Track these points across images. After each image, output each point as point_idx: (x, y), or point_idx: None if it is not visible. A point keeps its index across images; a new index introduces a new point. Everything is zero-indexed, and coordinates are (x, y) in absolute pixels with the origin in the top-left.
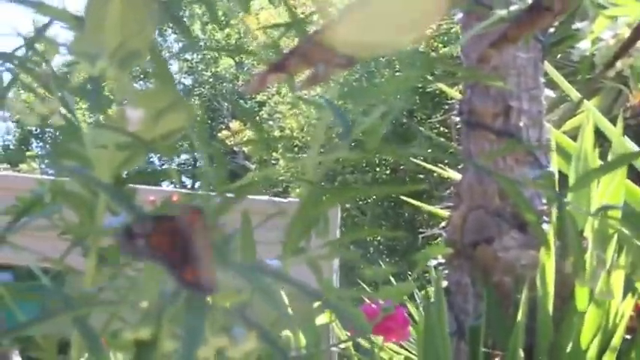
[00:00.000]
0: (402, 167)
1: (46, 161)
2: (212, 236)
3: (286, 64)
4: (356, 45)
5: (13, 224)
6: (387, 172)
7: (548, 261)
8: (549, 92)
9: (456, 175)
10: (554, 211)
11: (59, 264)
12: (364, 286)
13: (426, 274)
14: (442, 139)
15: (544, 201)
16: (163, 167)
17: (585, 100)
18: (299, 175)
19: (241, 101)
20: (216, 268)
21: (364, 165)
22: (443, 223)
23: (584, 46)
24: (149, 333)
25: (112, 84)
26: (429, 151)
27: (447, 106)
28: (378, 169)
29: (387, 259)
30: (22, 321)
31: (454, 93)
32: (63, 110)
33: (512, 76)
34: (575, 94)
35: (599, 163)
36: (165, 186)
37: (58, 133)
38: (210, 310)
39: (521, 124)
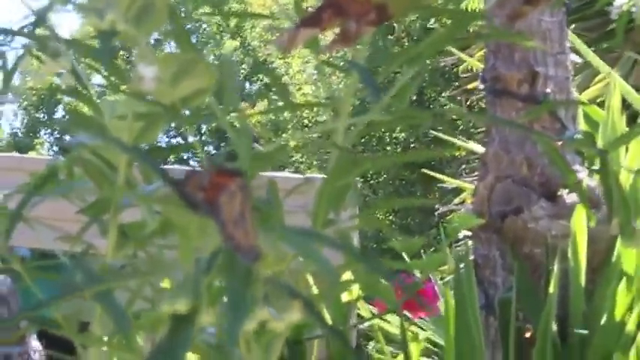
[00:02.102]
0: (412, 145)
1: (65, 130)
2: (252, 200)
3: (319, 17)
4: None
5: (27, 200)
6: (398, 149)
7: (580, 231)
8: (575, 57)
9: (475, 147)
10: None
11: (77, 241)
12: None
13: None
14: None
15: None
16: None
17: (610, 68)
18: (328, 141)
19: (247, 83)
20: (259, 233)
21: (375, 144)
22: (456, 200)
23: (620, 1)
24: (186, 305)
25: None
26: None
27: (457, 83)
28: (388, 147)
29: (401, 237)
30: (43, 299)
31: (475, 62)
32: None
33: (538, 40)
34: (598, 61)
35: (626, 129)
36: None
37: (72, 104)
38: (255, 279)
39: (547, 90)
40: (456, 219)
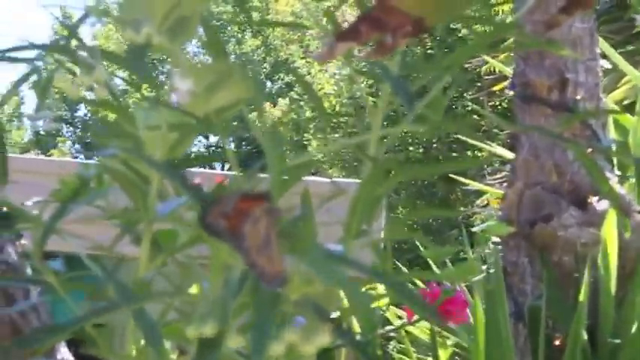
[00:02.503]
0: (434, 146)
1: (93, 138)
2: (279, 223)
3: (358, 30)
4: (429, 9)
5: (62, 210)
6: (420, 150)
7: (610, 238)
8: (604, 63)
9: (500, 151)
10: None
11: (110, 251)
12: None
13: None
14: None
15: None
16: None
17: (637, 71)
18: (361, 152)
19: (268, 82)
20: (285, 258)
21: (397, 144)
22: (478, 202)
23: None
24: (214, 329)
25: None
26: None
27: (480, 84)
28: (411, 147)
29: (422, 238)
30: (71, 312)
31: (501, 66)
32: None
33: (568, 47)
34: (627, 66)
35: None
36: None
37: (105, 113)
38: (281, 302)
39: (577, 96)
40: (487, 226)
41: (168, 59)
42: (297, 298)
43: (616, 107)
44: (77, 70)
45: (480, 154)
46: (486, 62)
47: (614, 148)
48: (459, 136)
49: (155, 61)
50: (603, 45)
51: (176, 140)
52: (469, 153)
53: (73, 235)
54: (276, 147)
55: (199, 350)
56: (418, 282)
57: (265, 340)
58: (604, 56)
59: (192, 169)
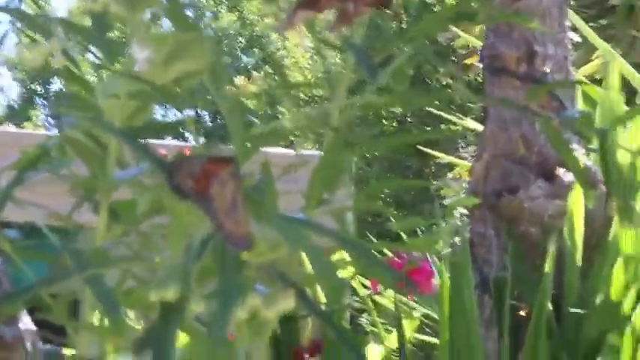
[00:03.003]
0: (408, 120)
1: (56, 110)
2: (243, 187)
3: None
4: None
5: (19, 179)
6: (394, 124)
7: (577, 210)
8: (574, 36)
9: (472, 124)
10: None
11: (68, 220)
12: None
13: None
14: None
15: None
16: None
17: (609, 47)
18: (323, 123)
19: (243, 56)
20: (250, 221)
21: (370, 117)
22: (449, 175)
23: None
24: (175, 293)
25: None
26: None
27: (454, 58)
28: (385, 121)
29: (395, 211)
30: (32, 281)
31: (472, 39)
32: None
33: (537, 19)
34: (598, 40)
35: (626, 109)
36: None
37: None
38: (245, 267)
39: (546, 69)
40: (455, 199)
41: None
42: (261, 263)
43: (584, 80)
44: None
45: (454, 128)
46: (459, 36)
47: (578, 118)
48: (433, 110)
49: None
50: (574, 18)
51: (135, 109)
52: (443, 127)
53: (34, 205)
54: (237, 116)
55: (162, 315)
56: (388, 254)
57: (230, 304)
58: (574, 29)
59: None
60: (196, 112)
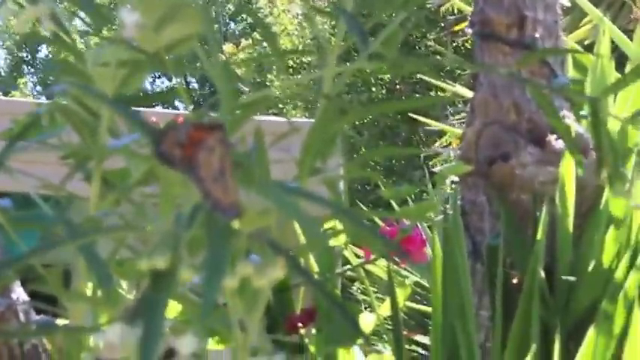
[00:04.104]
0: (397, 87)
1: (46, 77)
2: (233, 154)
3: None
4: None
5: (10, 148)
6: (383, 91)
7: (568, 177)
8: (564, 1)
9: (462, 90)
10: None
11: (60, 189)
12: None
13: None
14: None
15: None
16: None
17: (599, 12)
18: (315, 90)
19: (231, 23)
20: (239, 189)
21: (360, 85)
22: (437, 143)
23: None
24: (165, 261)
25: None
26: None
27: (442, 24)
28: (374, 88)
29: (385, 179)
30: (23, 250)
31: (461, 4)
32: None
33: None
34: (588, 5)
35: (616, 75)
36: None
37: (54, 51)
38: (235, 235)
39: (536, 34)
40: (446, 166)
41: None
42: (251, 231)
43: (576, 46)
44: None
45: (442, 95)
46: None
47: (569, 86)
48: (423, 77)
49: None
50: None
51: (126, 76)
52: (432, 94)
53: (25, 174)
54: (228, 83)
55: (152, 284)
56: (379, 224)
57: (220, 273)
58: None
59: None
60: (185, 79)
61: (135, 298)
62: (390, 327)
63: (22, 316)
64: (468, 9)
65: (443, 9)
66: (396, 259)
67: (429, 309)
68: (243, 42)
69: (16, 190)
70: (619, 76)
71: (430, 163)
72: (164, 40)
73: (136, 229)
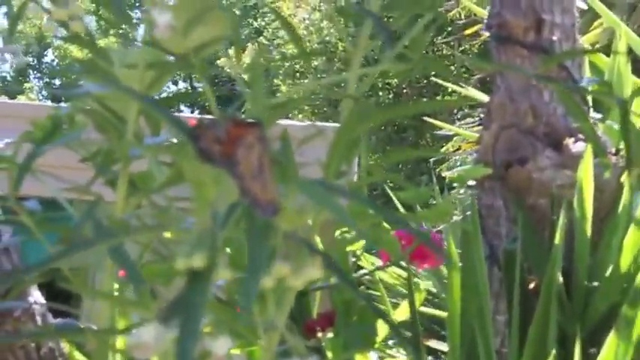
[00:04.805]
0: (405, 91)
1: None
2: (271, 152)
3: None
4: None
5: (37, 151)
6: (390, 96)
7: (586, 181)
8: (581, 3)
9: (476, 94)
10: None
11: (86, 192)
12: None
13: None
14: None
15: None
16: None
17: (613, 15)
18: (340, 91)
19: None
20: (278, 187)
21: (367, 90)
22: (448, 145)
23: None
24: (202, 261)
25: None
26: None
27: (450, 28)
28: (381, 93)
29: (391, 184)
30: (50, 253)
31: (476, 8)
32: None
33: None
34: (603, 8)
35: (634, 78)
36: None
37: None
38: (274, 234)
39: (554, 37)
40: (464, 169)
41: None
42: (288, 230)
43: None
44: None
45: (455, 98)
46: (459, 4)
47: (593, 87)
48: (429, 81)
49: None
50: None
51: (153, 78)
52: (439, 98)
53: (50, 177)
54: (259, 84)
55: (189, 283)
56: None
57: (260, 272)
58: None
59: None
60: (192, 85)
61: (169, 299)
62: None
63: (39, 319)
64: (481, 12)
65: (450, 14)
66: (414, 263)
67: (438, 314)
68: (249, 47)
69: (41, 194)
70: (636, 79)
71: (437, 169)
72: (192, 43)
73: (169, 228)
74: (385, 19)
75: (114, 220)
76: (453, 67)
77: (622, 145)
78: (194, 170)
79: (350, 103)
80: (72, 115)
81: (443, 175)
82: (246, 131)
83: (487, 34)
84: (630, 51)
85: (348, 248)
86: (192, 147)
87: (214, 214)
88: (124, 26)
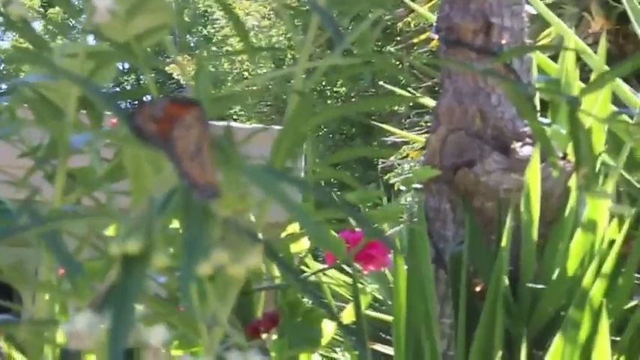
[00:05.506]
0: (353, 98)
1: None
2: (211, 134)
3: None
4: None
5: None
6: (338, 103)
7: (533, 184)
8: (530, 9)
9: (426, 100)
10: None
11: (23, 185)
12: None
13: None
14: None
15: (525, 122)
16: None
17: (561, 22)
18: (286, 86)
19: (187, 36)
20: (217, 169)
21: (316, 97)
22: (400, 150)
23: None
24: (138, 246)
25: None
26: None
27: (399, 38)
28: (329, 101)
29: (339, 192)
30: None
31: (426, 13)
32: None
33: None
34: (552, 17)
35: (580, 84)
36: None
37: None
38: (213, 217)
39: (502, 41)
40: (412, 172)
41: None
42: (227, 215)
43: (541, 54)
44: None
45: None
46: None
47: (541, 85)
48: (377, 90)
49: None
50: None
51: (94, 68)
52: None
53: None
54: (203, 76)
55: (124, 270)
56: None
57: (198, 256)
58: (528, 3)
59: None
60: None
61: (104, 287)
62: (340, 336)
63: None
64: (432, 18)
65: (400, 24)
66: (359, 265)
67: (383, 317)
68: (197, 53)
69: None
70: (583, 85)
71: (384, 177)
72: (134, 30)
73: (106, 213)
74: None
75: (52, 210)
76: (400, 77)
77: (569, 150)
78: (133, 156)
79: (296, 98)
80: (12, 108)
81: (391, 182)
82: (185, 110)
83: (436, 37)
84: (578, 58)
85: (293, 249)
86: (127, 126)
87: (152, 199)
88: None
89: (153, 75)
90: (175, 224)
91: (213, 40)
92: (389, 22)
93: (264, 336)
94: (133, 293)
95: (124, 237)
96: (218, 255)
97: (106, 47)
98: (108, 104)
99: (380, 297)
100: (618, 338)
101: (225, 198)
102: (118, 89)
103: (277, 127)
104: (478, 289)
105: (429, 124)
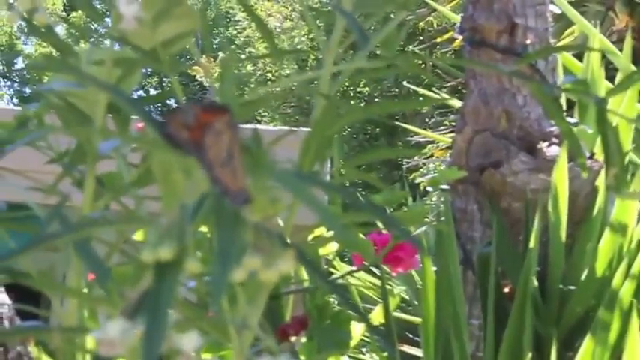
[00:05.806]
0: (376, 99)
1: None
2: (241, 140)
3: None
4: None
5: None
6: (362, 103)
7: (561, 185)
8: (554, 8)
9: (451, 100)
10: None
11: (52, 192)
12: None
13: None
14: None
15: (552, 122)
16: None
17: (586, 21)
18: (310, 88)
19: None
20: (248, 176)
21: (339, 98)
22: (424, 150)
23: None
24: (171, 253)
25: None
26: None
27: (421, 37)
28: (352, 101)
29: (363, 192)
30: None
31: (449, 13)
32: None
33: None
34: (576, 15)
35: (606, 84)
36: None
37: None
38: (244, 223)
39: (527, 41)
40: (438, 173)
41: None
42: (258, 221)
43: (566, 54)
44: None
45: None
46: (432, 11)
47: (568, 86)
48: (401, 90)
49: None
50: None
51: (122, 74)
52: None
53: (16, 178)
54: (228, 79)
55: (156, 277)
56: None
57: (230, 262)
58: (552, 2)
59: None
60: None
61: (136, 293)
62: (367, 337)
63: (6, 323)
64: (455, 17)
65: (422, 23)
66: (387, 267)
67: (411, 319)
68: (221, 55)
69: (9, 198)
70: (609, 85)
71: (410, 177)
72: (161, 36)
73: (136, 222)
74: (358, 18)
75: (81, 216)
76: (424, 76)
77: (596, 149)
78: (163, 163)
79: (322, 102)
80: (40, 115)
81: (416, 182)
82: (215, 117)
83: (460, 37)
84: (603, 57)
85: (321, 252)
86: (159, 134)
87: (183, 205)
88: (92, 23)
89: (176, 77)
90: (203, 228)
91: (236, 42)
92: (411, 22)
93: (293, 339)
94: (166, 299)
95: (156, 243)
96: (251, 261)
97: (131, 53)
98: (138, 112)
99: (407, 297)
100: None
101: (256, 203)
102: (141, 92)
103: (304, 130)
104: (506, 289)
105: (453, 123)
